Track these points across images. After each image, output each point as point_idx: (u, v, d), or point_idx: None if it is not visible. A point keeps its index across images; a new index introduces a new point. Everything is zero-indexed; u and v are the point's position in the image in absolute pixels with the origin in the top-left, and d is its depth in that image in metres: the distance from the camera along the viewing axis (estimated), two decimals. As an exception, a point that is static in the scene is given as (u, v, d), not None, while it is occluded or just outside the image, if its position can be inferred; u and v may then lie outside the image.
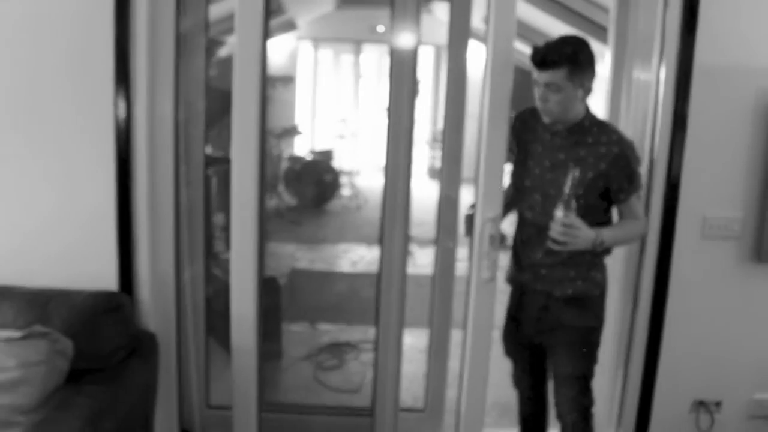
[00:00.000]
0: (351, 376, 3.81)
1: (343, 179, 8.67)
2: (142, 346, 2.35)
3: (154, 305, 2.50)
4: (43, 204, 2.44)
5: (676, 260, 2.52)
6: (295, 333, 4.15)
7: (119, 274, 2.42)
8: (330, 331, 4.35)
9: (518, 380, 2.67)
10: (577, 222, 2.23)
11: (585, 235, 2.24)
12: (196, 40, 2.76)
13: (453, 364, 3.00)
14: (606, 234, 2.30)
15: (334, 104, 11.19)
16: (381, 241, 3.00)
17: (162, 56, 2.44)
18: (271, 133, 7.73)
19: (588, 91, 2.27)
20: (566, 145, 2.34)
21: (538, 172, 2.37)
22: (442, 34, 3.30)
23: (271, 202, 7.54)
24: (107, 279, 2.42)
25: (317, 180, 8.02)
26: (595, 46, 2.36)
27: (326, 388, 3.61)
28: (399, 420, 2.94)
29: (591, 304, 2.41)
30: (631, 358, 2.65)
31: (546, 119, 2.32)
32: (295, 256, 5.66)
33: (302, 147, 9.46)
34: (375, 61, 11.96)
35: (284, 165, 8.20)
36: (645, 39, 2.58)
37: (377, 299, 2.99)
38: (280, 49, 9.51)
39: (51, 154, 2.41)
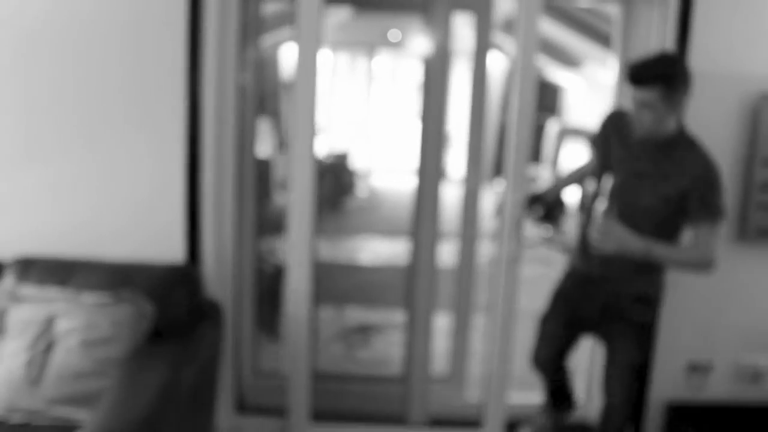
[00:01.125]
0: (378, 353, 4.18)
1: (359, 179, 9.04)
2: (209, 312, 2.74)
3: (217, 278, 2.89)
4: (123, 186, 2.83)
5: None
6: (324, 314, 4.52)
7: (187, 249, 2.82)
8: (354, 315, 4.73)
9: (547, 359, 2.80)
10: (615, 228, 2.30)
11: (629, 243, 2.30)
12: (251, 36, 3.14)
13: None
14: (658, 249, 2.33)
15: (350, 107, 11.55)
16: (413, 234, 3.37)
17: (227, 52, 2.83)
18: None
19: (679, 110, 2.33)
20: (653, 156, 2.40)
21: (622, 176, 2.42)
22: (460, 42, 3.66)
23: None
24: (177, 253, 2.81)
25: (335, 180, 8.40)
26: (601, 53, 2.70)
27: (357, 363, 3.98)
28: (429, 386, 3.31)
29: (654, 303, 2.57)
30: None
31: (639, 134, 2.37)
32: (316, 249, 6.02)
33: (320, 148, 9.84)
34: (388, 65, 12.32)
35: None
36: (644, 48, 2.93)
37: (409, 286, 3.35)
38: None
39: (130, 141, 2.80)
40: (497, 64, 9.88)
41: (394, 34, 9.87)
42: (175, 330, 2.54)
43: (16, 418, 2.35)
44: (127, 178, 2.81)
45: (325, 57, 11.27)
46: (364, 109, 11.61)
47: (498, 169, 10.75)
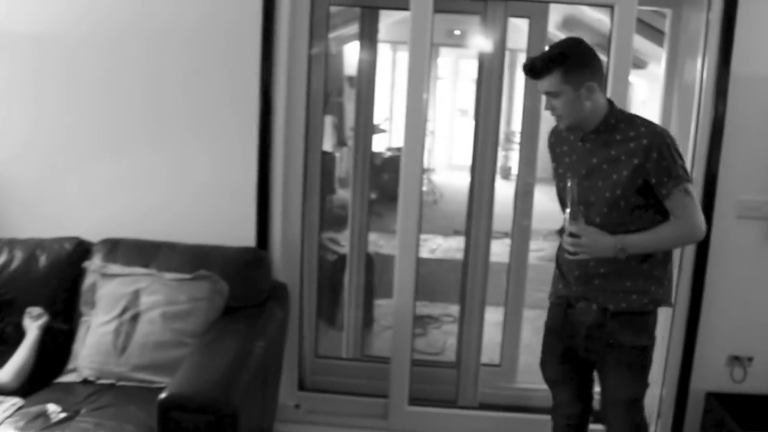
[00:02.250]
0: (434, 342, 4.41)
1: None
2: (277, 293, 3.02)
3: (284, 262, 3.17)
4: (203, 176, 3.14)
5: (714, 236, 3.00)
6: (381, 306, 4.75)
7: (258, 235, 3.11)
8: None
9: (564, 407, 2.56)
10: (586, 230, 2.21)
11: (600, 242, 2.21)
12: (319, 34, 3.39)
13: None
14: (629, 240, 2.22)
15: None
16: (467, 231, 3.59)
17: (297, 52, 3.11)
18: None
19: (591, 89, 2.19)
20: (596, 147, 2.28)
21: (577, 181, 2.27)
22: (517, 39, 3.83)
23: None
24: (249, 239, 3.10)
25: (396, 175, 8.62)
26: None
27: (414, 351, 4.20)
28: (479, 372, 3.52)
29: (646, 322, 2.33)
30: (674, 320, 3.15)
31: (562, 127, 2.33)
32: (378, 243, 6.26)
33: (381, 144, 10.08)
34: (451, 64, 12.50)
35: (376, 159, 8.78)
36: (692, 51, 3.09)
37: (463, 281, 3.57)
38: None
39: (209, 136, 3.11)
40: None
41: (458, 33, 10.06)
42: (247, 307, 2.83)
43: (105, 380, 2.68)
44: (207, 169, 3.12)
45: (385, 54, 11.53)
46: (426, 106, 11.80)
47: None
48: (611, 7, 2.99)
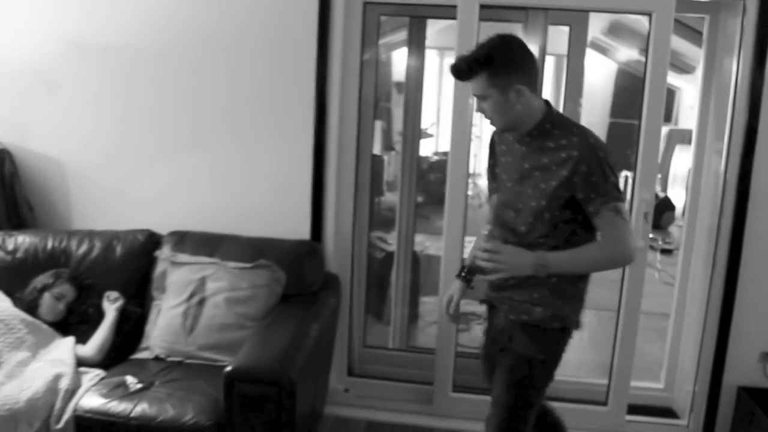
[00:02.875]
0: (476, 337, 4.62)
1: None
2: (330, 282, 3.28)
3: (336, 255, 3.43)
4: (262, 174, 3.44)
5: (747, 234, 3.17)
6: (426, 303, 4.97)
7: (313, 229, 3.38)
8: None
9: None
10: (501, 247, 2.13)
11: (519, 260, 2.10)
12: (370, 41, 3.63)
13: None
14: (551, 257, 2.10)
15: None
16: None
17: (350, 60, 3.36)
18: (402, 134, 8.61)
19: (520, 92, 2.07)
20: (530, 152, 2.17)
21: (510, 185, 2.22)
22: (561, 44, 3.99)
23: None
24: (304, 232, 3.37)
25: (442, 179, 8.84)
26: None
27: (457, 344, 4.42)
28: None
29: (546, 337, 2.21)
30: (708, 317, 3.32)
31: (495, 129, 2.27)
32: (424, 244, 6.48)
33: (428, 149, 10.29)
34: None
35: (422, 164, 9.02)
36: (728, 56, 3.25)
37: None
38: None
39: (269, 137, 3.39)
40: (599, 66, 10.04)
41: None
42: (302, 295, 3.10)
43: (174, 358, 2.96)
44: (265, 168, 3.40)
45: (433, 61, 11.70)
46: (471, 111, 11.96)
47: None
48: (649, 15, 3.16)
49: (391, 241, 4.54)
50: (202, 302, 3.00)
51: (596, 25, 7.59)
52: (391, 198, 6.73)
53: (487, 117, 2.18)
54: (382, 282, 4.45)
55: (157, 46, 3.43)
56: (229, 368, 2.49)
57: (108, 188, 3.56)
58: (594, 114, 10.20)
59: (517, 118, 2.14)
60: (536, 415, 2.33)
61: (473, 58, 2.06)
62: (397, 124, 7.92)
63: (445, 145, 10.96)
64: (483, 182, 10.46)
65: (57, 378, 2.69)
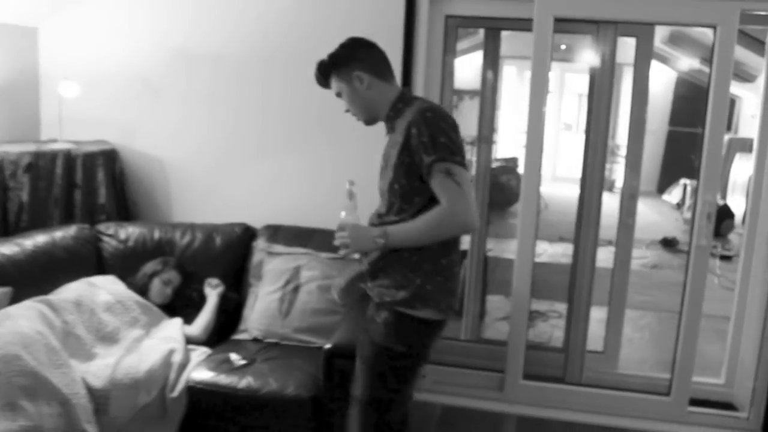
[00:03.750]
0: (541, 333, 4.85)
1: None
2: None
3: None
4: (347, 174, 3.70)
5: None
6: (493, 301, 5.22)
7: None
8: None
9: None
10: (345, 225, 2.19)
11: (362, 235, 2.15)
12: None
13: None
14: (391, 230, 2.14)
15: (517, 116, 12.18)
16: (575, 239, 4.03)
17: (432, 69, 3.65)
18: (464, 141, 8.86)
19: (361, 78, 2.25)
20: (390, 134, 2.30)
21: (380, 173, 2.34)
22: (625, 53, 4.18)
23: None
24: (388, 228, 3.66)
25: (503, 184, 9.07)
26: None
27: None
28: (585, 357, 3.97)
29: (407, 328, 2.21)
30: (768, 315, 3.51)
31: (363, 123, 2.38)
32: (487, 246, 6.74)
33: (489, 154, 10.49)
34: (556, 77, 12.82)
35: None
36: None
37: (571, 281, 4.00)
38: (468, 66, 10.63)
39: (353, 140, 3.67)
40: (661, 75, 10.16)
41: (561, 48, 10.39)
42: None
43: (271, 339, 3.28)
44: (352, 168, 3.64)
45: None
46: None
47: (665, 180, 10.96)
48: (714, 28, 3.37)
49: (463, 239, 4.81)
50: (296, 289, 3.32)
51: (658, 34, 7.76)
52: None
53: (352, 114, 2.36)
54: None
55: (242, 56, 3.79)
56: (328, 346, 2.78)
57: (205, 185, 3.92)
58: (653, 122, 10.31)
59: (372, 103, 2.29)
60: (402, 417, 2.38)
61: (319, 65, 2.33)
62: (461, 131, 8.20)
63: (504, 152, 11.21)
64: (543, 189, 10.72)
65: (170, 353, 3.02)
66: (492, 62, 4.28)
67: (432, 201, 2.12)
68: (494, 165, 9.44)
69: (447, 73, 3.86)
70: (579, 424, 3.60)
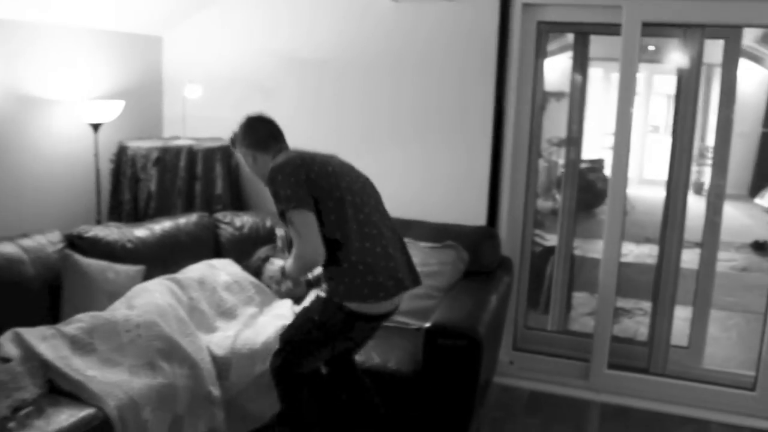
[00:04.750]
0: (626, 329, 5.04)
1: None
2: (504, 263, 3.84)
3: (509, 240, 3.99)
4: (446, 169, 4.06)
5: None
6: (579, 298, 5.43)
7: (488, 217, 3.96)
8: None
9: None
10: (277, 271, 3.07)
11: (272, 272, 3.07)
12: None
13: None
14: (285, 269, 2.85)
15: (604, 118, 12.20)
16: (660, 240, 4.19)
17: (524, 71, 3.91)
18: (550, 142, 9.03)
19: (254, 157, 2.84)
20: None
21: None
22: (715, 54, 4.29)
23: (547, 204, 8.84)
24: (481, 219, 3.95)
25: (588, 186, 9.18)
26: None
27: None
28: (669, 352, 4.14)
29: (327, 305, 2.73)
30: None
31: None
32: (573, 245, 6.92)
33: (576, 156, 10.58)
34: (644, 79, 12.77)
35: (560, 171, 9.42)
36: None
37: (656, 280, 4.18)
38: (555, 68, 10.76)
39: (454, 137, 4.01)
40: (755, 75, 10.02)
41: (649, 49, 10.39)
42: (480, 273, 3.67)
43: (373, 321, 3.60)
44: (449, 165, 4.02)
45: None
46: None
47: (758, 183, 10.82)
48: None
49: (548, 237, 5.03)
50: (396, 275, 3.62)
51: (750, 34, 7.74)
52: (539, 203, 7.18)
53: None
54: (539, 274, 4.94)
55: (346, 61, 4.17)
56: (428, 325, 3.09)
57: (311, 179, 4.28)
58: (745, 123, 10.20)
59: (260, 171, 2.85)
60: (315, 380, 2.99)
61: (229, 140, 2.99)
62: (545, 132, 8.36)
63: (589, 153, 11.25)
64: (630, 191, 10.74)
65: (283, 328, 3.37)
66: (581, 65, 4.48)
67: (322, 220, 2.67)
68: (581, 166, 9.54)
69: (538, 77, 4.09)
70: (661, 414, 3.80)
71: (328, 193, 2.67)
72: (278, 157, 2.75)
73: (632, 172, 11.93)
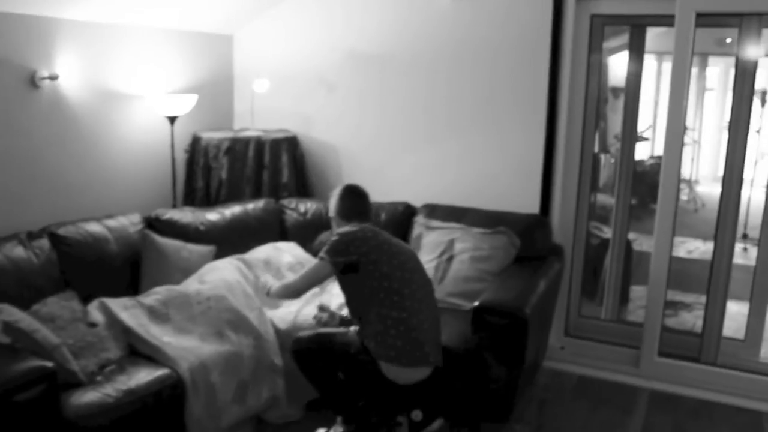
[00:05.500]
0: (683, 321, 5.14)
1: (681, 185, 9.67)
2: (555, 250, 4.04)
3: (560, 229, 4.18)
4: (500, 159, 4.26)
5: None
6: (637, 290, 5.54)
7: (541, 205, 4.16)
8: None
9: None
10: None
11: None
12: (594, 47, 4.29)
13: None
14: (273, 285, 3.45)
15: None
16: (715, 236, 4.25)
17: (577, 65, 4.09)
18: (617, 138, 9.07)
19: (335, 220, 3.34)
20: None
21: None
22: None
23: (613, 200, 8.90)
24: (534, 207, 4.15)
25: (656, 183, 9.17)
26: None
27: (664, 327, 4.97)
28: (722, 344, 4.21)
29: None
30: None
31: None
32: (636, 242, 7.00)
33: (644, 152, 10.57)
34: (719, 73, 12.57)
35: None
36: None
37: (710, 275, 4.25)
38: (624, 63, 10.74)
39: (507, 129, 4.21)
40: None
41: (726, 42, 10.26)
42: (532, 259, 3.87)
43: (427, 302, 3.85)
44: (503, 154, 4.23)
45: (649, 65, 11.82)
46: (692, 116, 12.01)
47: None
48: None
49: (606, 230, 5.17)
50: (450, 259, 3.87)
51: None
52: (601, 198, 7.27)
53: None
54: (596, 266, 5.08)
55: (408, 56, 4.42)
56: (477, 303, 3.32)
57: (371, 168, 4.58)
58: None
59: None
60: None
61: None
62: (613, 128, 8.40)
63: (660, 150, 11.15)
64: (700, 188, 10.65)
65: (340, 307, 3.64)
66: (636, 59, 4.60)
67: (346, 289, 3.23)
68: (648, 163, 9.54)
69: (595, 70, 4.25)
70: (711, 403, 3.91)
71: (374, 264, 3.09)
72: (352, 227, 3.22)
73: (705, 170, 11.86)
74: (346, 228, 3.23)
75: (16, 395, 2.52)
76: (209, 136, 4.46)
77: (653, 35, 6.83)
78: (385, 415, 3.30)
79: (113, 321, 3.26)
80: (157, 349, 3.18)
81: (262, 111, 4.74)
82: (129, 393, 2.89)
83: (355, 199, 3.36)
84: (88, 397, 2.82)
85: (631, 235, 6.96)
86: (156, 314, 3.39)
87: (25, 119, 3.67)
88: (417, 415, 3.22)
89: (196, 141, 4.51)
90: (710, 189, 10.19)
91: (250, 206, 4.28)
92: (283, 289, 3.37)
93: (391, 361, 3.03)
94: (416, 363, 3.04)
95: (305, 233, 4.24)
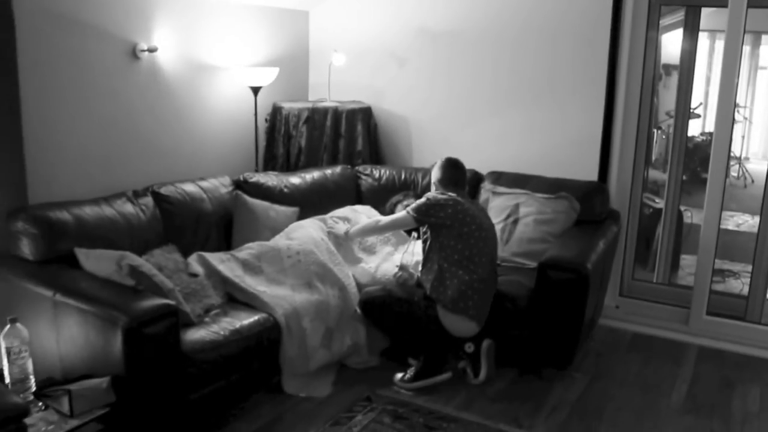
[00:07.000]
0: (730, 288, 5.44)
1: (732, 161, 9.85)
2: (613, 215, 4.40)
3: (617, 196, 4.53)
4: (562, 131, 4.61)
5: None
6: (687, 259, 5.84)
7: (599, 173, 4.50)
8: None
9: None
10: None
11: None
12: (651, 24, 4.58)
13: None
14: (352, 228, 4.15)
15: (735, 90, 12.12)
16: (761, 209, 4.59)
17: (636, 41, 4.40)
18: (669, 114, 9.28)
19: (435, 185, 3.86)
20: None
21: None
22: None
23: (664, 176, 9.15)
24: (593, 175, 4.50)
25: (706, 158, 9.38)
26: None
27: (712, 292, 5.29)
28: (765, 305, 4.55)
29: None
30: None
31: None
32: (686, 214, 7.29)
33: (695, 129, 10.73)
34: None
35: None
36: None
37: (756, 246, 4.59)
38: (677, 41, 10.88)
39: (569, 101, 4.56)
40: None
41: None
42: (591, 222, 4.23)
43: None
44: (565, 125, 4.58)
45: (702, 43, 11.90)
46: (744, 95, 12.08)
47: None
48: None
49: (658, 200, 5.48)
50: (515, 222, 4.24)
51: None
52: (653, 174, 7.54)
53: None
54: (649, 235, 5.40)
55: (477, 32, 4.77)
56: (542, 260, 3.69)
57: (440, 138, 4.97)
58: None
59: None
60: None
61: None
62: (664, 104, 8.62)
63: (711, 126, 11.26)
64: (750, 165, 10.81)
65: (416, 264, 4.04)
66: (691, 37, 4.86)
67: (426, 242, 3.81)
68: (699, 139, 9.74)
69: (651, 48, 4.53)
70: (755, 358, 4.25)
71: (447, 228, 3.65)
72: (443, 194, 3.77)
73: (756, 147, 11.96)
74: (437, 194, 3.78)
75: (146, 328, 2.86)
76: (290, 106, 4.88)
77: (707, 13, 7.04)
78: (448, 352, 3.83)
79: (212, 272, 3.69)
80: (254, 296, 3.60)
81: (337, 84, 5.13)
82: (235, 332, 3.30)
83: (453, 170, 3.89)
84: (200, 334, 3.21)
85: (681, 208, 7.24)
86: (250, 267, 3.81)
87: (127, 88, 4.09)
88: (470, 346, 3.76)
89: (276, 111, 4.93)
90: (761, 166, 10.36)
91: (329, 171, 4.71)
92: (360, 229, 4.08)
93: (445, 305, 3.60)
94: (460, 312, 3.60)
95: (379, 197, 4.65)
